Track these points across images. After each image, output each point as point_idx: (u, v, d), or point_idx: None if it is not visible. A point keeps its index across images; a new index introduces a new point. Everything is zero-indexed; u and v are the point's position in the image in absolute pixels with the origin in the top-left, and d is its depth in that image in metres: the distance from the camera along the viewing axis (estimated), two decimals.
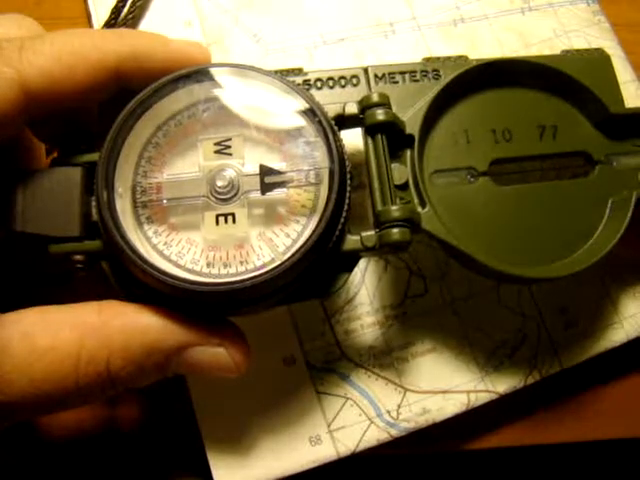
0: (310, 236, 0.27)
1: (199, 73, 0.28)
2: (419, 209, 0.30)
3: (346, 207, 0.28)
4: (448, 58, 0.33)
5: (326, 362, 0.36)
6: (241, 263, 0.28)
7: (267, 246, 0.28)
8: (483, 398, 0.37)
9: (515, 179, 0.33)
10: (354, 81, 0.31)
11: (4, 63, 0.26)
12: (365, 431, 0.36)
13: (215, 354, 0.27)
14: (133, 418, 0.35)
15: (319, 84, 0.31)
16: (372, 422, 0.36)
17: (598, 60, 0.34)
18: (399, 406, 0.36)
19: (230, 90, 0.29)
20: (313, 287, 0.29)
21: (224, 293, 0.26)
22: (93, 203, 0.27)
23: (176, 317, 0.27)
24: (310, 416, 0.36)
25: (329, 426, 0.36)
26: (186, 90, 0.28)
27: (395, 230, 0.28)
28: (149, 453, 0.36)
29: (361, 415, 0.36)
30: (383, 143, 0.30)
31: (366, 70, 0.31)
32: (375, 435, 0.36)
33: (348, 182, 0.28)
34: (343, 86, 0.31)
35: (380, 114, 0.29)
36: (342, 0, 0.41)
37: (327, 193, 0.27)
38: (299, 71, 0.31)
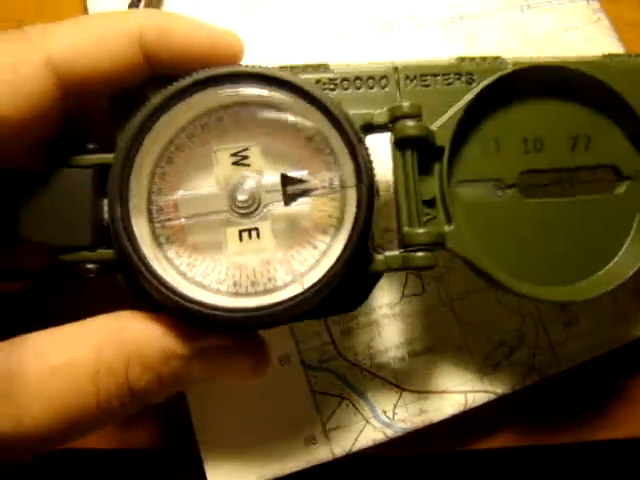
0: (336, 262, 0.26)
1: (213, 78, 0.26)
2: (445, 226, 0.29)
3: (373, 227, 0.27)
4: (484, 59, 0.31)
5: (322, 361, 0.36)
6: (269, 280, 0.27)
7: (295, 260, 0.27)
8: (481, 398, 0.36)
9: (542, 192, 0.32)
10: (383, 82, 0.29)
11: (30, 44, 0.25)
12: (361, 431, 0.35)
13: (236, 360, 0.27)
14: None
15: (345, 84, 0.29)
16: (368, 422, 0.36)
17: (638, 69, 0.32)
18: (395, 406, 0.36)
19: (246, 96, 0.27)
20: (339, 302, 0.28)
21: (247, 319, 0.25)
22: (105, 207, 0.26)
23: None
24: (305, 416, 0.35)
25: (324, 426, 0.35)
26: (197, 97, 0.26)
27: (420, 254, 0.28)
28: (144, 449, 0.36)
29: (357, 415, 0.36)
30: (413, 160, 0.28)
31: (396, 69, 0.30)
32: (371, 435, 0.35)
33: (376, 200, 0.27)
34: (371, 87, 0.29)
35: (411, 128, 0.28)
36: None
37: (354, 217, 0.26)
38: (325, 68, 0.29)
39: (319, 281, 0.26)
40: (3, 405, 0.23)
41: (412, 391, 0.36)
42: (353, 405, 0.36)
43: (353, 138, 0.26)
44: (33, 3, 0.41)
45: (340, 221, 0.27)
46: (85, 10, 0.41)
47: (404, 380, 0.36)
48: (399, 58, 0.33)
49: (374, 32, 0.41)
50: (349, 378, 0.36)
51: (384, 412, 0.36)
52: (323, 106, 0.26)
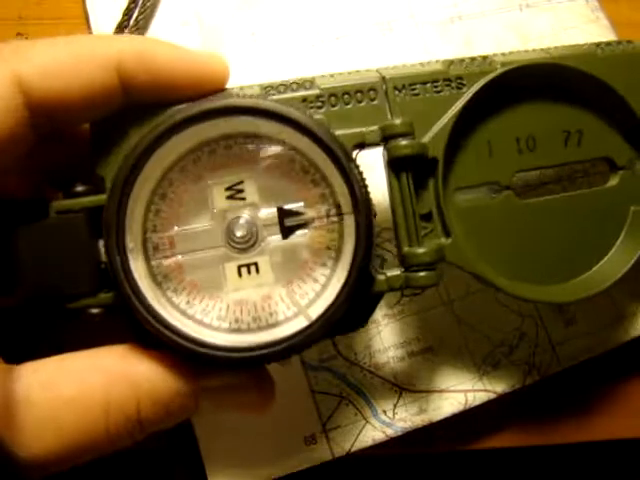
0: (341, 292, 0.26)
1: (203, 113, 0.25)
2: (443, 239, 0.29)
3: (373, 252, 0.27)
4: (472, 60, 0.30)
5: (321, 360, 0.36)
6: (271, 315, 0.27)
7: (296, 294, 0.27)
8: (481, 398, 0.36)
9: (537, 191, 0.32)
10: (371, 94, 0.28)
11: None
12: (360, 431, 0.35)
13: (244, 394, 0.27)
14: None
15: (333, 100, 0.28)
16: (368, 422, 0.35)
17: (631, 56, 0.32)
18: (395, 406, 0.36)
19: (238, 128, 0.26)
20: (341, 323, 0.27)
21: (254, 357, 0.25)
22: (101, 248, 0.26)
23: None
24: (305, 415, 0.35)
25: (324, 425, 0.35)
26: (190, 132, 0.26)
27: (422, 274, 0.28)
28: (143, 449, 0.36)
29: (357, 414, 0.36)
30: (409, 181, 0.28)
31: (384, 79, 0.29)
32: (371, 435, 0.35)
33: (374, 224, 0.26)
34: (359, 101, 0.28)
35: (404, 147, 0.27)
36: None
37: (354, 248, 0.26)
38: (311, 83, 0.28)
39: (324, 313, 0.26)
40: (12, 433, 0.23)
41: (412, 390, 0.36)
42: (353, 405, 0.36)
43: (346, 166, 0.26)
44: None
45: (338, 252, 0.27)
46: (84, 5, 0.41)
47: (404, 380, 0.36)
48: (398, 57, 0.32)
49: (373, 32, 0.41)
50: (349, 378, 0.36)
51: (384, 412, 0.36)
52: (314, 135, 0.26)
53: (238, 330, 0.27)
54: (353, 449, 0.35)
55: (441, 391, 0.36)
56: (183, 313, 0.26)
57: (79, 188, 0.26)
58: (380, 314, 0.37)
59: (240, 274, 0.27)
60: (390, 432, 0.35)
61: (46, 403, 0.24)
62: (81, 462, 0.25)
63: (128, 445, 0.26)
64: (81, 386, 0.24)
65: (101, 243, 0.26)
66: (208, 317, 0.27)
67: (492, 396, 0.36)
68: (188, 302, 0.27)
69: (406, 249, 0.28)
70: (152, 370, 0.25)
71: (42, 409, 0.23)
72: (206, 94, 0.27)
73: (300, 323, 0.26)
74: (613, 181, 0.32)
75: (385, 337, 0.36)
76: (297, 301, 0.27)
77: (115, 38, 0.27)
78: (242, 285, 0.27)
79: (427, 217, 0.29)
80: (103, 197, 0.26)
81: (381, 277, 0.28)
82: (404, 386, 0.36)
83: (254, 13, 0.40)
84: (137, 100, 0.27)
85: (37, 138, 0.26)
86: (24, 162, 0.26)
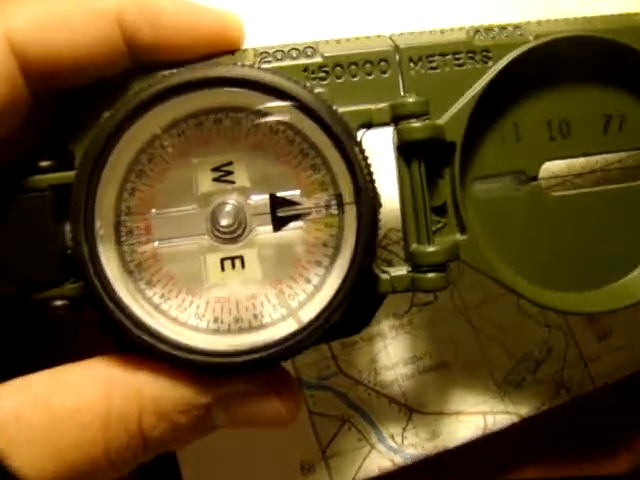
0: (335, 295, 0.24)
1: (191, 82, 0.24)
2: (457, 235, 0.27)
3: (377, 247, 0.25)
4: (502, 29, 0.27)
5: (320, 378, 0.34)
6: (255, 317, 0.25)
7: (285, 295, 0.25)
8: (502, 421, 0.34)
9: (569, 184, 0.30)
10: (383, 66, 0.26)
11: None
12: (365, 458, 0.34)
13: (265, 404, 0.25)
14: None
15: (338, 71, 0.26)
16: (373, 448, 0.34)
17: None
18: (404, 429, 0.34)
19: (225, 101, 0.24)
20: (338, 326, 0.25)
21: (233, 365, 0.23)
22: (68, 233, 0.24)
23: None
24: (302, 440, 0.33)
25: (323, 452, 0.33)
26: (169, 104, 0.24)
27: (431, 275, 0.25)
28: None
29: (360, 440, 0.34)
30: (420, 169, 0.26)
31: (398, 49, 0.26)
32: (376, 463, 0.34)
33: (379, 217, 0.24)
34: (368, 73, 0.26)
35: (417, 130, 0.25)
36: None
37: (354, 243, 0.24)
38: (313, 50, 0.26)
39: (318, 317, 0.23)
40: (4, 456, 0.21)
41: (423, 412, 0.34)
42: (356, 428, 0.34)
43: (349, 148, 0.23)
44: None
45: (337, 249, 0.25)
46: None
47: (414, 400, 0.34)
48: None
49: (373, 28, 0.38)
50: (352, 397, 0.34)
51: (391, 436, 0.34)
52: (312, 112, 0.23)
53: (217, 331, 0.25)
54: (357, 479, 0.33)
55: (457, 413, 0.34)
56: (156, 308, 0.25)
57: (44, 163, 0.24)
58: (387, 325, 0.34)
59: (223, 268, 0.25)
60: (398, 460, 0.34)
61: (40, 421, 0.22)
62: None
63: (133, 466, 0.23)
64: (79, 398, 0.23)
65: (68, 227, 0.24)
66: (185, 314, 0.25)
67: (515, 419, 0.34)
68: (162, 295, 0.25)
69: (414, 246, 0.26)
70: (155, 378, 0.23)
71: (35, 428, 0.22)
72: (217, 55, 0.26)
73: (289, 327, 0.24)
74: None
75: (392, 351, 0.34)
76: (286, 302, 0.25)
77: None
78: (224, 280, 0.25)
79: (440, 210, 0.27)
80: (71, 174, 0.24)
81: (385, 277, 0.26)
82: (414, 407, 0.34)
83: (253, 14, 0.38)
84: (144, 60, 0.25)
85: (36, 104, 0.24)
86: (22, 131, 0.24)
